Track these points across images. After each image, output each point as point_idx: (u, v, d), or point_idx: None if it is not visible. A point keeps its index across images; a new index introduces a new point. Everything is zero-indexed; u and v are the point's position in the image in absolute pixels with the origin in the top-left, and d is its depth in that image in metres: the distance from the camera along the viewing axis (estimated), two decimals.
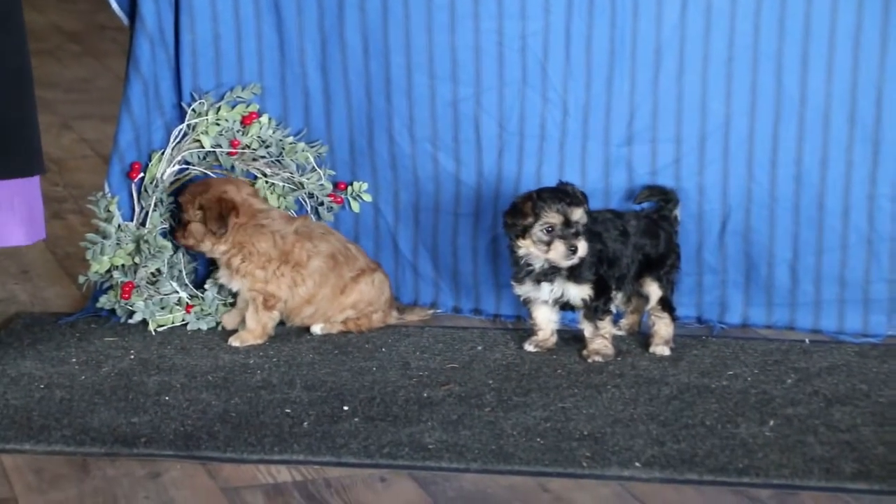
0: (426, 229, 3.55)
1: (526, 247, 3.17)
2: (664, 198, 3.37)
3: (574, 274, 3.20)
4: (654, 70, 3.35)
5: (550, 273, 3.21)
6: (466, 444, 2.79)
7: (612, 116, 3.38)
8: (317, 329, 3.40)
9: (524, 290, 3.25)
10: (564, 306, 3.27)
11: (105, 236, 3.39)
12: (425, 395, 3.03)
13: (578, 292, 3.21)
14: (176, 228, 3.39)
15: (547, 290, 3.23)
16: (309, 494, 2.62)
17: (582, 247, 3.13)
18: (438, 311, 3.56)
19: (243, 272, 3.33)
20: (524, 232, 3.16)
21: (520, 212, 3.15)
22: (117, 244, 3.39)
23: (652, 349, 3.28)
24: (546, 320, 3.28)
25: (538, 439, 2.81)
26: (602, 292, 3.22)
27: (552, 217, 3.13)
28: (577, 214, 3.14)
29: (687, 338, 3.35)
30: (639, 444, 2.79)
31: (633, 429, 2.85)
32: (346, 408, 2.96)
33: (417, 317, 3.49)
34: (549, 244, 3.14)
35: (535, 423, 2.89)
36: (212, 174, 3.49)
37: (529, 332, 3.32)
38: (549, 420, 2.90)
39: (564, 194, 3.16)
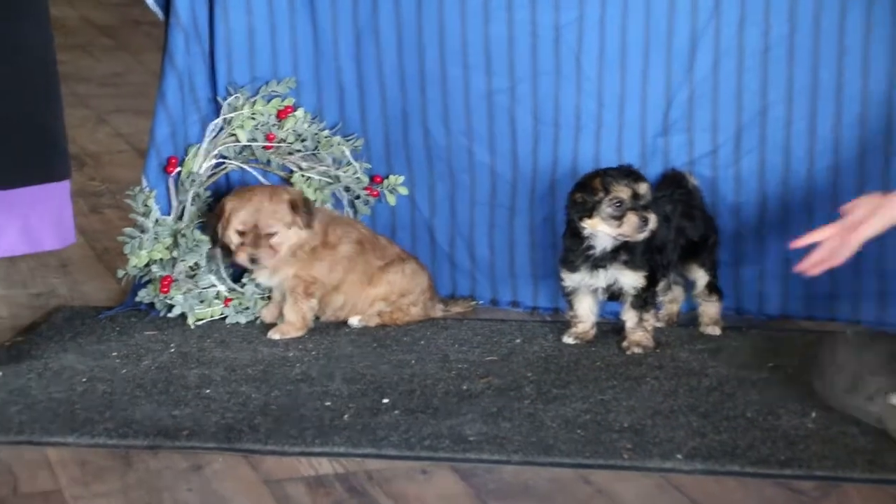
0: (463, 221, 3.55)
1: (592, 226, 3.17)
2: (674, 179, 3.36)
3: (630, 260, 3.21)
4: (690, 59, 3.34)
5: (608, 259, 3.21)
6: (507, 436, 2.79)
7: (647, 107, 3.38)
8: (354, 321, 3.40)
9: (576, 278, 3.25)
10: (612, 296, 3.27)
11: (143, 231, 3.40)
12: (465, 387, 3.04)
13: (633, 280, 3.22)
14: (256, 257, 3.29)
15: (602, 277, 3.23)
16: (350, 487, 2.63)
17: (653, 219, 3.14)
18: (478, 303, 3.57)
19: (298, 257, 3.32)
20: (592, 210, 3.16)
21: (589, 188, 3.16)
22: (155, 238, 3.40)
23: (702, 329, 3.32)
24: (588, 311, 3.29)
25: (578, 431, 2.81)
26: (652, 282, 3.23)
27: (622, 191, 3.14)
28: (644, 188, 3.16)
29: (727, 329, 3.34)
30: (680, 435, 2.78)
31: (674, 420, 2.85)
32: (385, 400, 2.97)
33: (462, 308, 3.49)
34: (620, 218, 3.15)
35: (575, 414, 2.89)
36: (249, 168, 3.50)
37: (567, 324, 3.32)
38: (589, 412, 2.90)
39: (630, 170, 3.18)
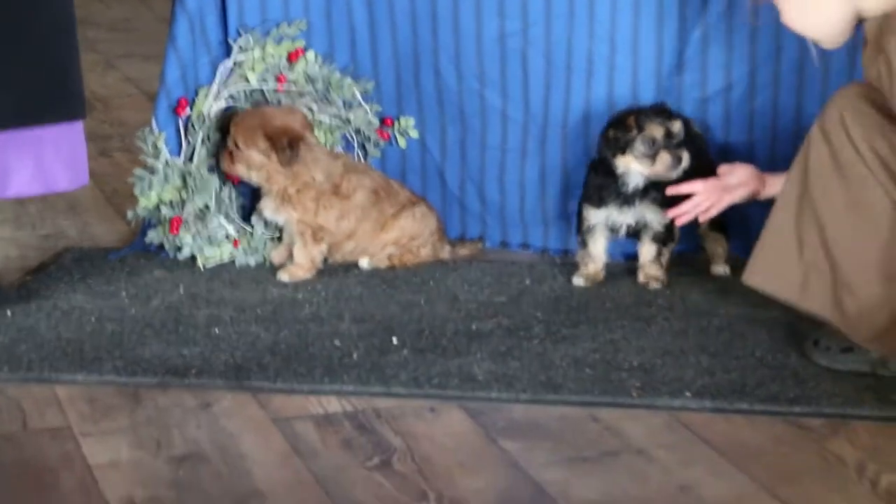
0: (473, 165, 3.53)
1: (626, 164, 3.17)
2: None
3: (659, 197, 3.21)
4: None
5: (638, 196, 3.22)
6: (516, 375, 2.79)
7: (663, 48, 3.34)
8: (364, 263, 3.40)
9: (601, 214, 3.24)
10: (633, 234, 3.27)
11: (153, 171, 3.39)
12: (474, 327, 3.03)
13: (661, 217, 3.23)
14: (222, 155, 3.37)
15: (630, 214, 3.23)
16: (359, 424, 2.63)
17: (685, 157, 3.15)
18: (486, 246, 3.56)
19: (296, 202, 3.32)
20: (624, 148, 3.15)
21: (622, 125, 3.16)
22: (165, 179, 3.39)
23: (712, 269, 3.32)
24: (601, 252, 3.28)
25: (587, 370, 2.81)
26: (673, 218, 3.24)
27: (655, 130, 3.14)
28: (677, 127, 3.16)
29: (737, 270, 3.32)
30: (689, 374, 2.78)
31: (683, 360, 2.85)
32: (394, 340, 2.97)
33: (469, 250, 3.49)
34: (653, 157, 3.15)
35: (585, 354, 2.88)
36: None
37: (576, 265, 3.31)
38: (598, 351, 2.90)
39: (663, 109, 3.19)
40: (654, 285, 3.23)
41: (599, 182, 3.24)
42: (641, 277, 3.26)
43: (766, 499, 2.36)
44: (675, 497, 2.37)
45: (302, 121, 3.38)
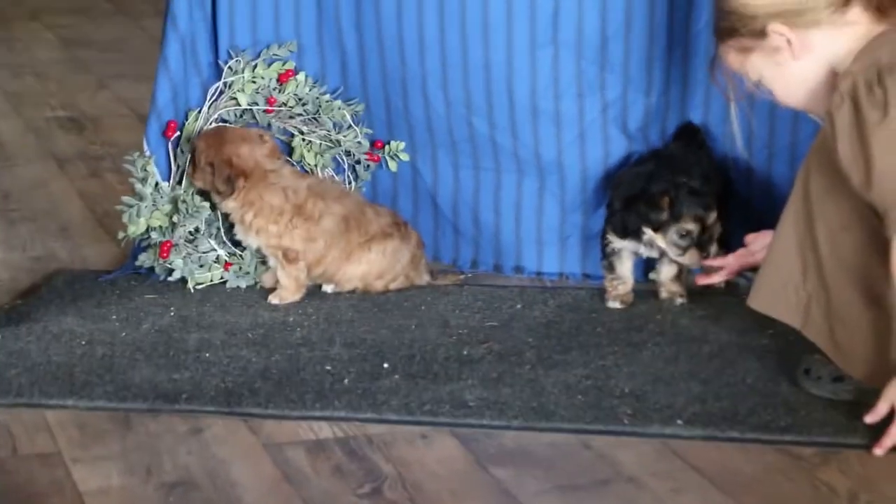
0: (466, 187, 3.52)
1: (653, 238, 3.17)
2: (687, 132, 3.35)
3: None
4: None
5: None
6: (507, 401, 2.79)
7: (653, 65, 3.34)
8: (328, 289, 3.38)
9: (626, 243, 3.24)
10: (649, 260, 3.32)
11: (141, 198, 3.38)
12: (465, 352, 3.03)
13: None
14: (188, 168, 3.38)
15: (647, 248, 3.24)
16: (351, 451, 2.63)
17: (713, 249, 3.17)
18: (479, 269, 3.55)
19: (256, 228, 3.31)
20: (656, 227, 3.16)
21: (656, 206, 3.14)
22: (154, 206, 3.38)
23: (700, 280, 3.29)
24: (629, 273, 3.29)
25: (579, 397, 2.81)
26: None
27: (690, 224, 3.14)
28: (712, 218, 3.15)
29: (727, 296, 3.33)
30: (680, 401, 2.78)
31: (675, 386, 2.85)
32: (386, 365, 2.96)
33: (449, 282, 3.46)
34: (684, 250, 3.15)
35: (576, 380, 2.88)
36: None
37: (602, 290, 3.31)
38: (589, 378, 2.89)
39: (701, 196, 3.14)
40: (680, 300, 3.26)
41: (626, 221, 3.22)
42: (664, 294, 3.28)
43: None
44: None
45: (270, 149, 3.36)
